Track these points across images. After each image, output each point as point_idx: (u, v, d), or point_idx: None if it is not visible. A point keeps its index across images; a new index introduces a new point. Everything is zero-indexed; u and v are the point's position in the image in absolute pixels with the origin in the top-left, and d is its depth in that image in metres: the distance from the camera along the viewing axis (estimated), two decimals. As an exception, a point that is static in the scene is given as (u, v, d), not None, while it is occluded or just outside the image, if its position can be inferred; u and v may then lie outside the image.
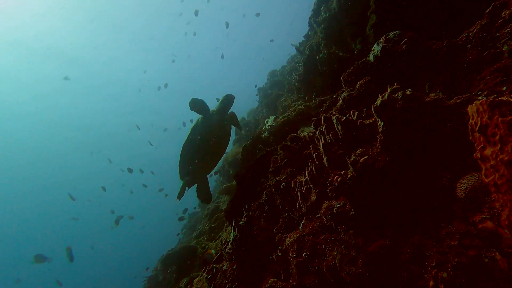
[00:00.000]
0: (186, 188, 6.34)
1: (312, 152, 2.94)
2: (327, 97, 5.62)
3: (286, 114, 5.62)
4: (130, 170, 16.37)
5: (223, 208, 8.67)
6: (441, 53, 2.56)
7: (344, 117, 2.63)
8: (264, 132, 5.90)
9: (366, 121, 2.61)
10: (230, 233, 3.93)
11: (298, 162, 3.22)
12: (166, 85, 20.75)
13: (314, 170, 2.73)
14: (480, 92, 2.06)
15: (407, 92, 2.17)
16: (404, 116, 2.09)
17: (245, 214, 3.62)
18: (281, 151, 3.40)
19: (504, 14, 2.17)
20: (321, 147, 2.76)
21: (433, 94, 2.37)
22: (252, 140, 5.84)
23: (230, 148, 12.30)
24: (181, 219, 11.38)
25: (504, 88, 1.92)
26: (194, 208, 14.69)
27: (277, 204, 3.29)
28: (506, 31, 2.02)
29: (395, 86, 2.55)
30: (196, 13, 16.74)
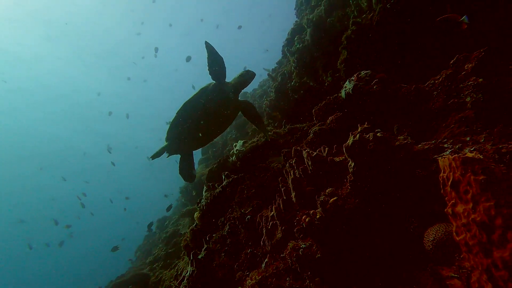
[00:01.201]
0: (167, 154, 5.33)
1: (280, 185, 2.86)
2: (298, 125, 5.68)
3: (255, 140, 5.56)
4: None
5: (183, 232, 8.22)
6: (409, 97, 2.67)
7: (315, 153, 2.60)
8: (232, 156, 5.76)
9: (337, 159, 2.59)
10: (187, 266, 3.65)
11: (266, 195, 3.12)
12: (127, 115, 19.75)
13: (281, 206, 2.63)
14: (445, 140, 2.13)
15: (378, 134, 2.19)
16: (374, 158, 2.09)
17: (205, 246, 3.39)
18: (248, 181, 3.28)
19: (467, 67, 2.32)
20: (290, 182, 2.68)
21: (402, 137, 2.43)
22: (219, 164, 5.66)
23: (195, 167, 11.94)
24: (114, 249, 10.49)
25: (468, 139, 2.00)
26: (151, 228, 13.64)
27: (240, 238, 3.11)
28: (469, 83, 2.14)
29: (365, 126, 2.58)
30: (156, 49, 16.22)
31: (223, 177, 3.97)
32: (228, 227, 3.21)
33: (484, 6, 3.08)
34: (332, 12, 4.70)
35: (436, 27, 3.60)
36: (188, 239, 3.80)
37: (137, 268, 9.91)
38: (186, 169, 5.53)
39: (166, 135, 5.23)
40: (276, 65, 7.63)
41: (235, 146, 5.81)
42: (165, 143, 5.31)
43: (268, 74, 7.34)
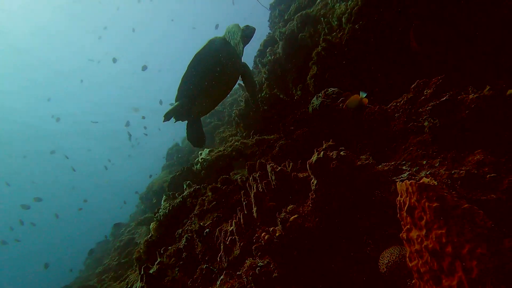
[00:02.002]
0: (174, 117, 4.55)
1: (242, 199, 2.79)
2: (266, 136, 5.68)
3: (221, 149, 5.46)
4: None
5: (139, 241, 7.79)
6: (373, 117, 2.76)
7: (279, 168, 2.57)
8: (197, 164, 5.60)
9: (301, 175, 2.58)
10: (137, 280, 3.41)
11: (227, 208, 3.02)
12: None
13: (242, 220, 2.55)
14: (404, 162, 2.20)
15: (342, 153, 2.21)
16: (337, 177, 2.10)
17: (158, 260, 3.19)
18: (210, 193, 3.17)
19: (426, 92, 2.44)
20: (252, 196, 2.62)
21: (364, 157, 2.48)
22: (182, 172, 5.47)
23: (158, 173, 11.49)
24: (46, 266, 9.57)
25: (424, 162, 2.08)
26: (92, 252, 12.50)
27: (197, 252, 2.97)
28: (427, 108, 2.25)
29: (330, 143, 2.60)
30: (145, 67, 15.59)
31: (185, 186, 3.82)
32: (185, 240, 3.06)
33: (445, 35, 3.30)
34: (304, 28, 4.81)
35: (401, 51, 3.81)
36: (141, 250, 3.57)
37: (83, 279, 9.20)
38: (196, 133, 4.92)
39: (177, 93, 4.57)
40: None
41: (201, 154, 5.67)
42: (177, 103, 4.55)
43: (239, 84, 7.34)
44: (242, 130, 6.75)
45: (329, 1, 4.51)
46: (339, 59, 4.17)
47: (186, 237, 3.08)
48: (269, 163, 2.67)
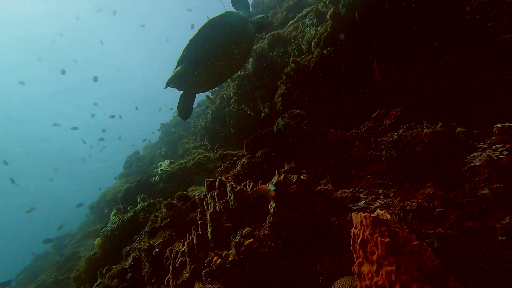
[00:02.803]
0: (173, 83, 3.97)
1: (198, 217, 2.66)
2: (230, 151, 5.60)
3: (183, 161, 5.28)
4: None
5: (83, 256, 7.15)
6: (335, 142, 2.81)
7: (239, 187, 2.50)
8: (155, 176, 5.34)
9: (260, 195, 2.52)
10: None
11: (181, 227, 2.86)
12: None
13: (195, 241, 2.42)
14: (361, 190, 2.24)
15: (302, 177, 2.20)
16: (295, 201, 2.07)
17: (99, 281, 2.91)
18: (164, 209, 2.99)
19: (385, 122, 2.54)
20: (208, 215, 2.51)
21: (324, 181, 2.50)
22: (138, 184, 5.18)
23: (113, 182, 10.82)
24: None
25: (380, 191, 2.14)
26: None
27: (143, 273, 2.76)
28: (386, 139, 2.33)
29: (292, 165, 2.60)
30: (96, 78, 15.01)
31: (139, 199, 3.59)
32: (132, 259, 2.84)
33: (406, 69, 3.52)
34: (274, 47, 4.90)
35: (365, 80, 4.00)
36: (81, 269, 3.25)
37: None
38: (186, 107, 4.39)
39: (180, 56, 4.08)
40: (216, 88, 7.61)
41: (161, 165, 5.43)
42: (178, 68, 4.05)
43: (207, 96, 7.25)
44: (207, 143, 6.62)
45: (300, 25, 4.66)
46: (307, 81, 4.27)
47: (133, 256, 2.85)
48: (229, 182, 2.59)
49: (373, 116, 2.70)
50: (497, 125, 1.75)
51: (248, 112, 5.69)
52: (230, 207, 2.50)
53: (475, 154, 1.78)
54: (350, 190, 2.25)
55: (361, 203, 2.02)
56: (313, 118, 3.06)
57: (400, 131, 2.31)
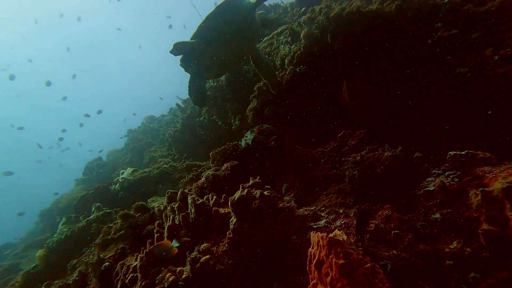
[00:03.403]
0: (182, 50, 3.93)
1: (155, 230, 2.53)
2: (197, 162, 5.48)
3: (147, 170, 5.08)
4: None
5: (24, 269, 6.52)
6: (301, 159, 2.84)
7: (201, 200, 2.43)
8: (116, 184, 5.08)
9: (222, 210, 2.46)
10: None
11: (136, 239, 2.71)
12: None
13: (149, 256, 2.29)
14: (323, 208, 2.26)
15: (266, 193, 2.18)
16: (257, 218, 2.04)
17: (40, 298, 2.65)
18: (119, 220, 2.82)
19: (350, 143, 2.62)
20: (166, 228, 2.40)
21: (287, 198, 2.50)
22: (96, 191, 4.89)
23: (70, 188, 10.15)
24: None
25: (341, 211, 2.17)
26: None
27: (91, 290, 2.55)
28: (349, 159, 2.40)
29: (257, 180, 2.57)
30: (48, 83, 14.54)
31: (93, 208, 3.36)
32: (77, 273, 2.62)
33: (373, 92, 3.69)
34: (249, 61, 4.95)
35: (335, 99, 4.13)
36: (17, 284, 2.94)
37: None
38: (199, 90, 4.25)
39: (195, 31, 4.04)
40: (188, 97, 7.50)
41: (122, 173, 5.18)
42: (192, 40, 4.03)
43: (177, 104, 7.11)
44: (175, 152, 6.45)
45: (274, 41, 4.76)
46: (279, 97, 4.33)
47: (79, 270, 2.64)
48: (191, 194, 2.51)
49: (339, 136, 2.78)
50: (450, 152, 1.85)
51: (219, 123, 5.65)
52: (190, 220, 2.41)
53: (430, 179, 1.86)
54: (313, 208, 2.26)
55: (322, 222, 2.03)
56: (282, 134, 3.08)
57: (363, 152, 2.38)
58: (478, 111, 3.29)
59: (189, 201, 2.44)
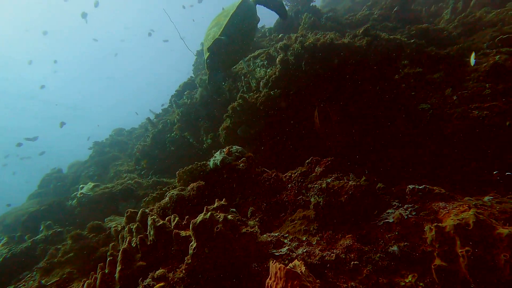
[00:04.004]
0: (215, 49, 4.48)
1: (109, 253, 2.37)
2: (164, 179, 5.31)
3: (110, 185, 4.84)
4: None
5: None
6: (269, 183, 2.83)
7: (161, 222, 2.32)
8: (73, 199, 4.77)
9: (183, 233, 2.37)
10: None
11: (86, 263, 2.51)
12: None
13: (98, 281, 2.12)
14: (287, 235, 2.24)
15: (229, 217, 2.13)
16: (218, 243, 1.97)
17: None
18: (69, 241, 2.61)
19: (317, 170, 2.65)
20: (120, 251, 2.25)
21: (252, 222, 2.45)
22: (50, 207, 4.55)
23: (22, 201, 9.38)
24: None
25: (304, 238, 2.15)
26: None
27: (29, 319, 2.30)
28: (315, 186, 2.42)
29: (222, 202, 2.51)
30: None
31: (42, 227, 3.11)
32: (16, 301, 2.36)
33: (343, 122, 3.81)
34: (225, 80, 5.00)
35: (307, 125, 4.22)
36: None
37: None
38: (218, 83, 4.86)
39: (223, 28, 4.55)
40: (161, 111, 7.36)
41: (82, 187, 4.90)
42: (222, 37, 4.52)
43: (148, 118, 6.94)
44: (141, 168, 6.22)
45: (251, 64, 4.86)
46: (253, 118, 4.37)
47: (19, 296, 2.38)
48: (152, 215, 2.40)
49: (307, 162, 2.81)
50: (409, 186, 1.93)
51: (191, 140, 5.56)
52: (149, 243, 2.29)
53: (390, 210, 1.91)
54: (276, 234, 2.23)
55: (284, 250, 2.00)
56: (252, 156, 3.07)
57: (329, 180, 2.42)
58: (438, 146, 3.50)
59: (149, 222, 2.32)
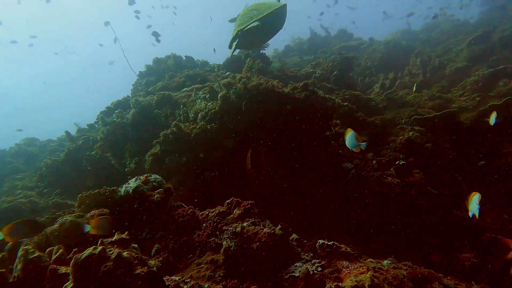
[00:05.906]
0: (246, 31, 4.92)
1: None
2: (68, 201, 4.67)
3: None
4: None
5: None
6: (183, 219, 2.61)
7: (37, 253, 1.93)
8: None
9: (64, 269, 1.98)
10: None
11: None
12: None
13: None
14: (189, 280, 2.03)
15: (125, 254, 1.86)
16: (104, 286, 1.67)
17: None
18: None
19: (236, 212, 2.55)
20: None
21: (153, 262, 2.18)
22: None
23: None
24: None
25: (206, 286, 1.97)
26: None
27: None
28: (230, 228, 2.29)
29: (123, 236, 2.22)
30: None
31: None
32: None
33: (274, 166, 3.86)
34: (162, 106, 4.82)
35: (238, 165, 4.19)
36: None
37: None
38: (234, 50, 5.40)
39: (263, 15, 4.97)
40: (86, 127, 6.68)
41: None
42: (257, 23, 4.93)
43: (66, 132, 6.23)
44: (45, 185, 5.42)
45: (193, 94, 4.80)
46: (183, 148, 4.20)
47: None
48: (27, 244, 1.99)
49: (227, 202, 2.70)
50: (319, 240, 1.93)
51: (112, 162, 5.07)
52: (12, 280, 1.85)
53: (298, 264, 1.87)
54: (177, 278, 1.99)
55: (182, 299, 1.78)
56: (170, 189, 2.86)
57: (245, 224, 2.32)
58: (355, 204, 3.73)
59: (20, 253, 1.90)
